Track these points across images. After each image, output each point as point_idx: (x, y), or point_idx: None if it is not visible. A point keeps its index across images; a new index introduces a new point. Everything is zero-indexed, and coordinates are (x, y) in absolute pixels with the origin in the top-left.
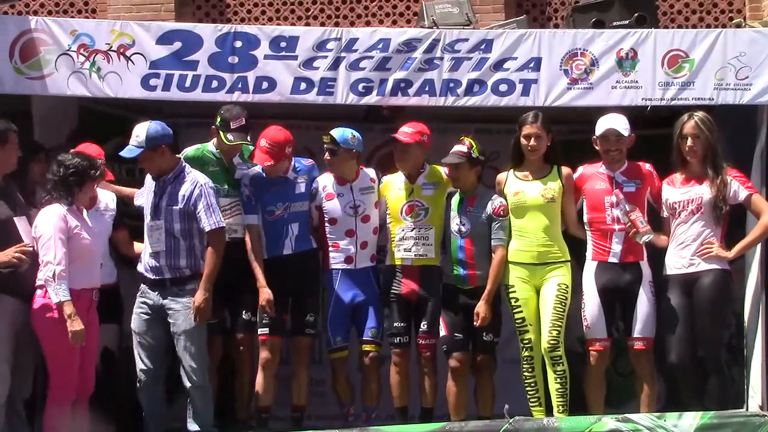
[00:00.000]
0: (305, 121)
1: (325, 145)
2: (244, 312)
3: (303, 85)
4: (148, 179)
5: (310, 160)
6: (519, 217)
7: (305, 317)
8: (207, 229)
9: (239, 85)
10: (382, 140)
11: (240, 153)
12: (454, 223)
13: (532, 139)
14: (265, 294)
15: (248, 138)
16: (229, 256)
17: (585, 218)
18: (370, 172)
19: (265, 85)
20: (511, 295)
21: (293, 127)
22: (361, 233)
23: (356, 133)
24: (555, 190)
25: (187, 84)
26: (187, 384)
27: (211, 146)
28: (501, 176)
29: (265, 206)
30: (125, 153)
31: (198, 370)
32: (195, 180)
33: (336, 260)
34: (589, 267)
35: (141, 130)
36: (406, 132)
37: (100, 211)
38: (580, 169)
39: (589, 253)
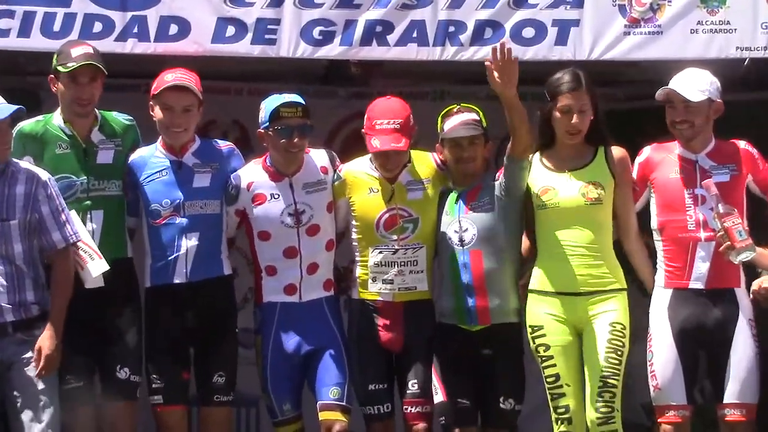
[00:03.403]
0: (235, 83)
1: (291, 120)
2: (119, 368)
3: (230, 30)
4: None
5: (228, 143)
6: (550, 228)
7: (211, 378)
8: (60, 245)
9: (135, 30)
10: (349, 112)
11: (101, 125)
12: (452, 231)
13: (575, 115)
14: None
15: (101, 64)
16: (96, 288)
17: (654, 223)
18: (319, 156)
19: (173, 29)
20: (538, 342)
21: (217, 92)
22: (308, 251)
23: None
24: (602, 186)
25: (57, 27)
26: None
27: (57, 117)
28: None
29: (146, 204)
30: None
31: None
32: (33, 176)
33: (272, 291)
34: (661, 298)
35: None
36: (388, 131)
37: None
38: (647, 151)
39: (659, 277)
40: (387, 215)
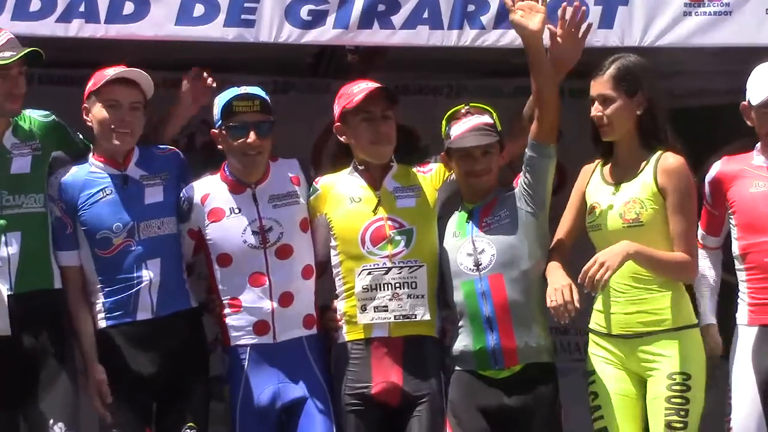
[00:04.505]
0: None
1: (247, 116)
2: (52, 422)
3: (198, 9)
4: None
5: (171, 147)
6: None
7: (179, 431)
8: None
9: (81, 9)
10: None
11: (15, 126)
12: (464, 254)
13: (595, 104)
14: (98, 373)
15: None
16: (17, 327)
17: (735, 249)
18: (289, 164)
19: (128, 8)
20: (590, 389)
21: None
22: (279, 277)
23: None
24: (645, 203)
25: None
26: None
27: None
28: (587, 169)
29: (92, 232)
30: None
31: None
32: None
33: (239, 330)
34: (744, 339)
35: None
36: (373, 88)
37: None
38: (716, 167)
39: (742, 314)
40: (374, 227)
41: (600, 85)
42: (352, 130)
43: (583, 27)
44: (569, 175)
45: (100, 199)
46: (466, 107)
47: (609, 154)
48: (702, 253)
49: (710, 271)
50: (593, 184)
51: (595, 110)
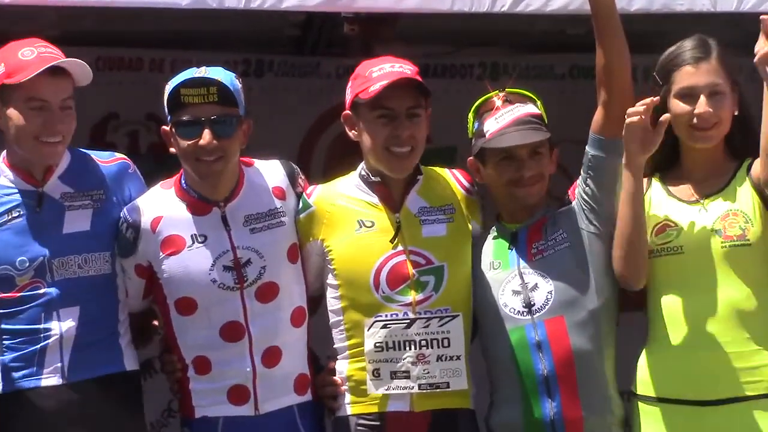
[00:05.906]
0: (152, 53)
1: (199, 108)
2: None
3: None
4: None
5: (118, 156)
6: (667, 288)
7: None
8: None
9: None
10: (340, 98)
11: None
12: (509, 292)
13: (703, 98)
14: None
15: None
16: None
17: None
18: (270, 170)
19: None
20: None
21: (122, 67)
22: (261, 328)
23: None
24: (749, 216)
25: None
26: None
27: None
28: None
29: None
30: None
31: None
32: None
33: (207, 398)
34: None
35: None
36: (397, 72)
37: None
38: None
39: None
40: (391, 264)
41: (710, 73)
42: (364, 124)
43: None
44: None
45: (4, 223)
46: (502, 93)
47: (670, 163)
48: None
49: None
50: (655, 202)
51: (707, 106)
